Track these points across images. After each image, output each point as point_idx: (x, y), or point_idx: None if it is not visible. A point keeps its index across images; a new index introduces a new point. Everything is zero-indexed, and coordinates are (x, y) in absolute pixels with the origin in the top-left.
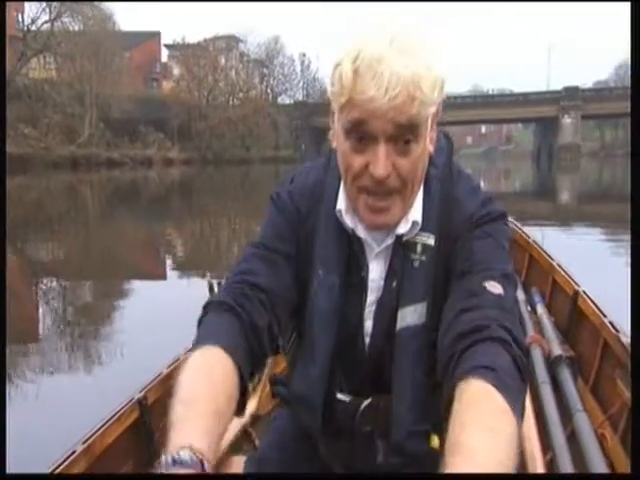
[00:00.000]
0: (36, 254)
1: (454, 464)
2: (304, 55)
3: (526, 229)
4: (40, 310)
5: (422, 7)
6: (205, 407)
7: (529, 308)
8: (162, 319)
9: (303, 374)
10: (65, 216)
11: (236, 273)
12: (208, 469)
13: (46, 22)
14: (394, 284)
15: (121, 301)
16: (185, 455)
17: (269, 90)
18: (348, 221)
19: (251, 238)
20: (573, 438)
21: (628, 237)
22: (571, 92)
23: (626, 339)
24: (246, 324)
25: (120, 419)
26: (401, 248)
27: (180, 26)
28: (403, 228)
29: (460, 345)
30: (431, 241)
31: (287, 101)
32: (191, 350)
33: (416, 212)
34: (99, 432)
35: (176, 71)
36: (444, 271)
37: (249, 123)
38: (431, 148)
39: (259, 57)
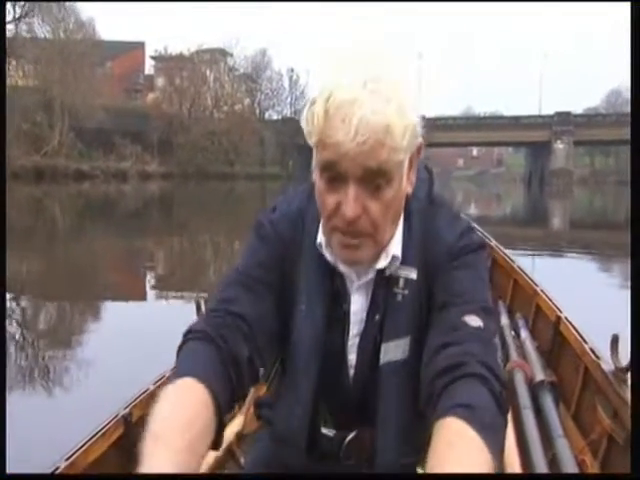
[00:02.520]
0: None
1: None
2: (292, 70)
3: (511, 254)
4: None
5: (410, 26)
6: (176, 442)
7: (513, 333)
8: (133, 345)
9: (286, 411)
10: (29, 232)
11: (217, 301)
12: None
13: (9, 22)
14: (377, 317)
15: (87, 324)
16: None
17: (256, 105)
18: (328, 255)
19: (233, 262)
20: (554, 463)
21: (620, 266)
22: (563, 117)
23: (606, 366)
24: (226, 355)
25: (104, 435)
26: (384, 282)
27: (166, 37)
28: (383, 263)
29: (440, 382)
30: (413, 275)
31: (274, 117)
32: (167, 381)
33: (396, 246)
34: (83, 448)
35: (160, 83)
36: (427, 304)
37: (233, 138)
38: (409, 189)
39: (246, 70)
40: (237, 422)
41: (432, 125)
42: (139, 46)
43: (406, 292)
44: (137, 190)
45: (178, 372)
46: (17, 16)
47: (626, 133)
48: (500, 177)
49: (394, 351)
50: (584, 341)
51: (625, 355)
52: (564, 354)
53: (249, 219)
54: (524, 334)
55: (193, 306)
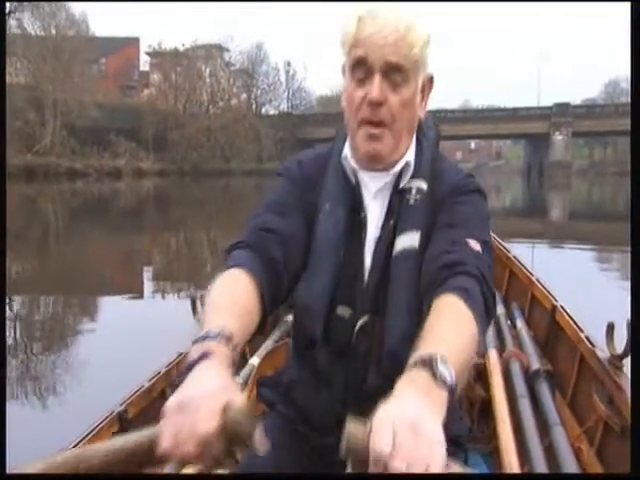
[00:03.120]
0: None
1: (426, 344)
2: (289, 64)
3: (507, 245)
4: None
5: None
6: (232, 308)
7: (509, 322)
8: (128, 343)
9: (307, 287)
10: (22, 233)
11: (251, 224)
12: (234, 348)
13: None
14: (391, 222)
15: (82, 324)
16: (214, 331)
17: (252, 100)
18: (352, 166)
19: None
20: (550, 451)
21: (619, 257)
22: (562, 108)
23: (602, 354)
24: (265, 258)
25: (99, 433)
26: (398, 193)
27: (161, 33)
28: (397, 167)
29: (440, 275)
30: (424, 185)
31: (272, 112)
32: (176, 373)
33: (409, 156)
34: (78, 446)
35: (155, 79)
36: (433, 216)
37: (229, 133)
38: (421, 113)
39: (242, 65)
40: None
41: (430, 118)
42: (134, 42)
43: (417, 197)
44: (131, 188)
45: (229, 266)
46: (6, 12)
47: (625, 124)
48: (499, 169)
49: (405, 242)
50: (579, 329)
51: (620, 343)
52: (560, 343)
53: (246, 217)
54: (520, 324)
55: (188, 304)
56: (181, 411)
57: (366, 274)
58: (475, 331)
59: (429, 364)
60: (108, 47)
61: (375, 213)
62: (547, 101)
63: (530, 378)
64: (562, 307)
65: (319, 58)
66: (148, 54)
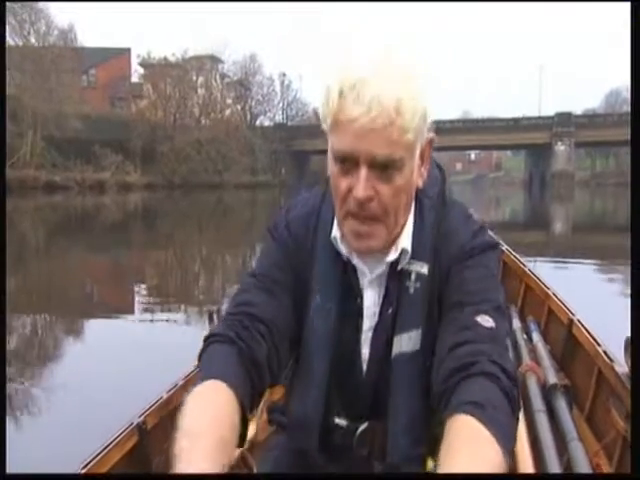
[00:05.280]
0: None
1: None
2: (284, 75)
3: (522, 258)
4: None
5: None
6: (210, 439)
7: (525, 336)
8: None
9: (301, 398)
10: None
11: (235, 304)
12: None
13: None
14: (389, 311)
15: (64, 347)
16: None
17: (247, 111)
18: (343, 249)
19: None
20: (568, 467)
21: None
22: (564, 118)
23: (620, 368)
24: (246, 356)
25: (119, 444)
26: (396, 276)
27: (152, 43)
28: (392, 256)
29: (452, 380)
30: (424, 270)
31: (266, 123)
32: (193, 384)
33: (405, 240)
34: (98, 457)
35: (148, 90)
36: (438, 299)
37: (221, 145)
38: (420, 183)
39: (236, 76)
40: (249, 430)
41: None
42: (125, 53)
43: (418, 285)
44: (117, 202)
45: (203, 374)
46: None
47: (627, 133)
48: (499, 181)
49: (406, 343)
50: (597, 344)
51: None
52: (577, 357)
53: (238, 234)
54: (536, 337)
55: (178, 326)
56: None
57: (363, 370)
58: (499, 458)
59: None
60: (98, 58)
61: (371, 300)
62: (547, 112)
63: (547, 392)
64: (579, 321)
65: (315, 67)
66: (141, 65)
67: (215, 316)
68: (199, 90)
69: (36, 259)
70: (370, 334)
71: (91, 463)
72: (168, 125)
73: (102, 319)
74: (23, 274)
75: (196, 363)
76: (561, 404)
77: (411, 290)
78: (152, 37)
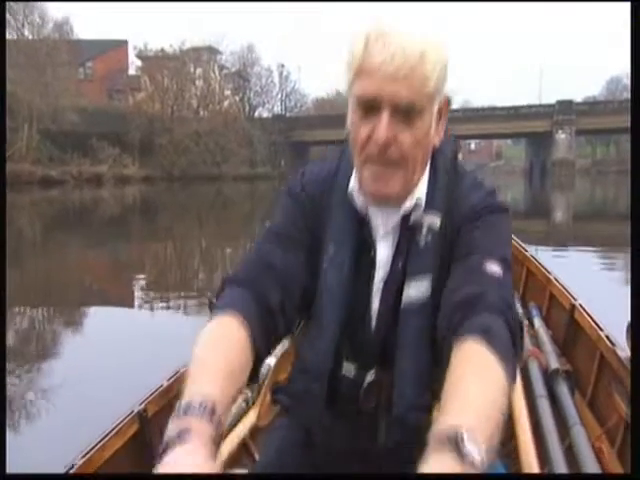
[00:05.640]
0: None
1: (451, 407)
2: (283, 66)
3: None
4: None
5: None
6: (219, 367)
7: (527, 322)
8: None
9: (312, 346)
10: None
11: (251, 256)
12: (216, 423)
13: None
14: (400, 263)
15: (66, 334)
16: (196, 401)
17: (245, 103)
18: (358, 202)
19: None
20: (570, 451)
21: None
22: (564, 106)
23: (622, 353)
24: (260, 301)
25: (120, 432)
26: (408, 230)
27: (149, 35)
28: (407, 204)
29: (459, 314)
30: (436, 222)
31: (265, 114)
32: (182, 375)
33: (420, 192)
34: (99, 445)
35: (145, 82)
36: (447, 253)
37: (219, 137)
38: (436, 141)
39: (234, 67)
40: (251, 415)
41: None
42: (122, 45)
43: (429, 238)
44: (114, 196)
45: (218, 311)
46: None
47: (628, 120)
48: (499, 170)
49: (416, 289)
50: (599, 328)
51: None
52: (579, 342)
53: (239, 225)
54: (538, 323)
55: (178, 317)
56: None
57: (373, 322)
58: (503, 381)
59: (454, 442)
60: (95, 50)
61: (384, 252)
62: (548, 100)
63: (549, 378)
64: (581, 306)
65: (313, 58)
66: (139, 57)
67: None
68: (197, 82)
69: (33, 254)
70: (381, 285)
71: (92, 451)
72: (166, 117)
73: (102, 311)
74: (20, 270)
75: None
76: (563, 389)
77: (422, 242)
78: (149, 28)
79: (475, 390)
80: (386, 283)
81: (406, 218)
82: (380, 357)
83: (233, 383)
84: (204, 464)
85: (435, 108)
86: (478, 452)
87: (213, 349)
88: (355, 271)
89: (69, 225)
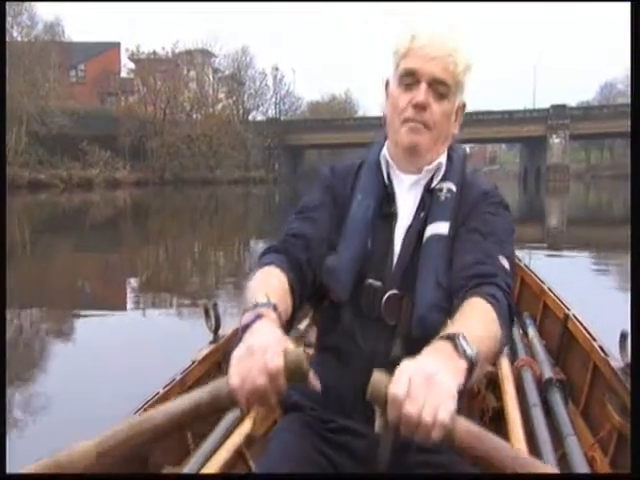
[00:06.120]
0: None
1: (454, 327)
2: (277, 68)
3: (517, 251)
4: None
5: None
6: (271, 292)
7: (521, 332)
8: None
9: (337, 256)
10: None
11: (284, 231)
12: (279, 313)
13: None
14: (422, 215)
15: (56, 339)
16: (262, 299)
17: (239, 106)
18: (389, 160)
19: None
20: (564, 460)
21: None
22: (559, 110)
23: (615, 363)
24: (292, 259)
25: None
26: (429, 191)
27: (142, 38)
28: (431, 166)
29: (472, 282)
30: (454, 188)
31: (259, 118)
32: (179, 382)
33: (442, 159)
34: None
35: (138, 85)
36: (462, 215)
37: (213, 141)
38: (454, 130)
39: (228, 70)
40: (246, 424)
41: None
42: (114, 47)
43: (448, 196)
44: (103, 200)
45: (260, 267)
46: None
47: (622, 125)
48: (494, 175)
49: (436, 228)
50: (592, 338)
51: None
52: (572, 351)
53: (232, 230)
54: (532, 332)
55: (172, 324)
56: (251, 354)
57: (395, 256)
58: (499, 333)
59: (452, 338)
60: (87, 52)
61: (406, 206)
62: (542, 105)
63: (543, 387)
64: (574, 316)
65: (308, 61)
66: (131, 59)
67: (211, 311)
68: (190, 84)
69: (24, 258)
70: (403, 232)
71: None
72: (158, 120)
73: (95, 316)
74: (12, 273)
75: (191, 361)
76: (557, 399)
77: (442, 198)
78: (142, 31)
79: (476, 325)
80: (408, 229)
81: (428, 182)
82: (402, 280)
83: (284, 302)
84: (279, 332)
85: (457, 102)
86: (470, 349)
87: (264, 281)
88: (378, 217)
89: (60, 229)
